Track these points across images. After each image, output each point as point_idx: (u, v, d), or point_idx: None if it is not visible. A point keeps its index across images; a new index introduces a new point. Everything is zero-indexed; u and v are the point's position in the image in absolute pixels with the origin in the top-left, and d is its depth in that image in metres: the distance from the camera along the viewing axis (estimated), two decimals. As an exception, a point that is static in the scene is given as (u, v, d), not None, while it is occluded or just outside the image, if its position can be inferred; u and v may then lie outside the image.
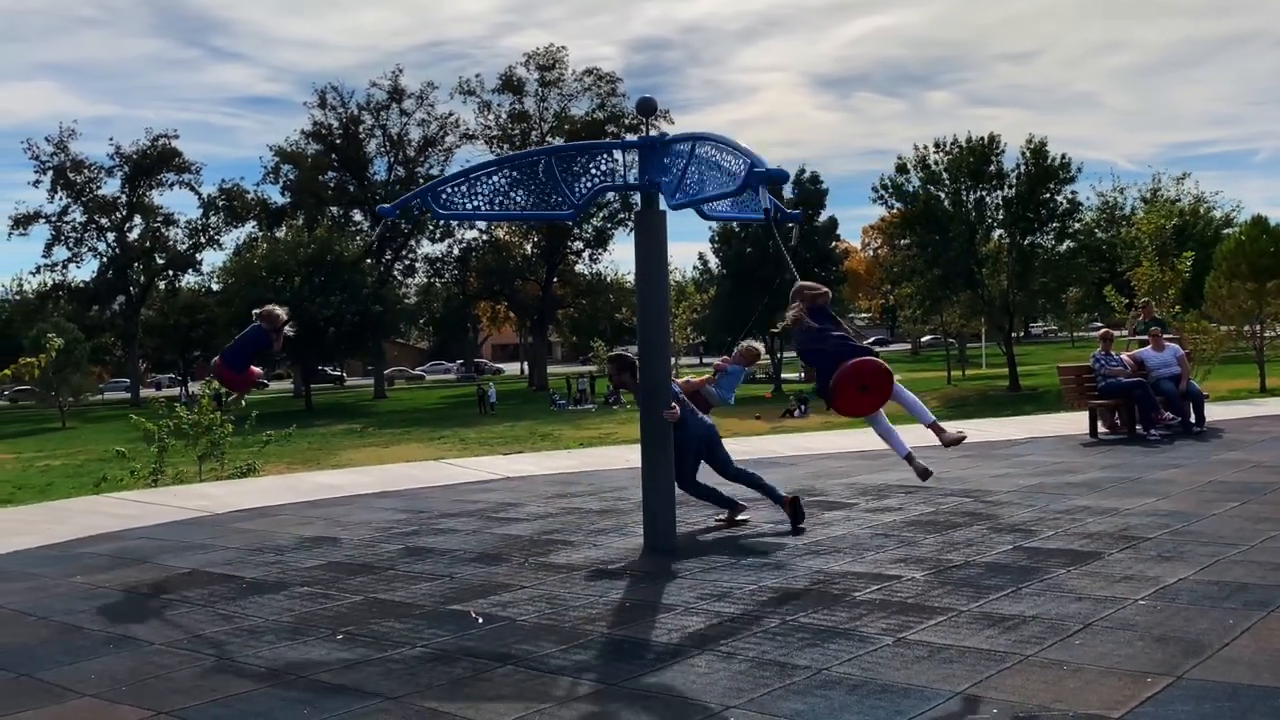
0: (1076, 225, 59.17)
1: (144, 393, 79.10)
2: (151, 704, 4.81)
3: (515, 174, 8.21)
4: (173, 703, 4.82)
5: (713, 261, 71.47)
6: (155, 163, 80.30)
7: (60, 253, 79.85)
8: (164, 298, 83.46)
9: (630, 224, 9.48)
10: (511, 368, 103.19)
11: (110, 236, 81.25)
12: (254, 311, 8.42)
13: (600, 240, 76.19)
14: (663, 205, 8.05)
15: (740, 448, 14.19)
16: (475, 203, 8.04)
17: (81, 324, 71.13)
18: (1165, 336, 15.76)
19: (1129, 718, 4.17)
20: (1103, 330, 16.55)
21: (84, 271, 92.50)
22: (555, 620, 5.99)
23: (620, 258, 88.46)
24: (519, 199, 8.14)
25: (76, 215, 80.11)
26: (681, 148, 7.69)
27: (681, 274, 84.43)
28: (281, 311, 8.35)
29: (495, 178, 8.11)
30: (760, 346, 9.77)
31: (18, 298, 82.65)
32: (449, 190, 8.02)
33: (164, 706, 4.77)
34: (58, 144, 78.57)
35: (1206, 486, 9.69)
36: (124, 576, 7.61)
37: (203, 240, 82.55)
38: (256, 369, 8.72)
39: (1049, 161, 54.70)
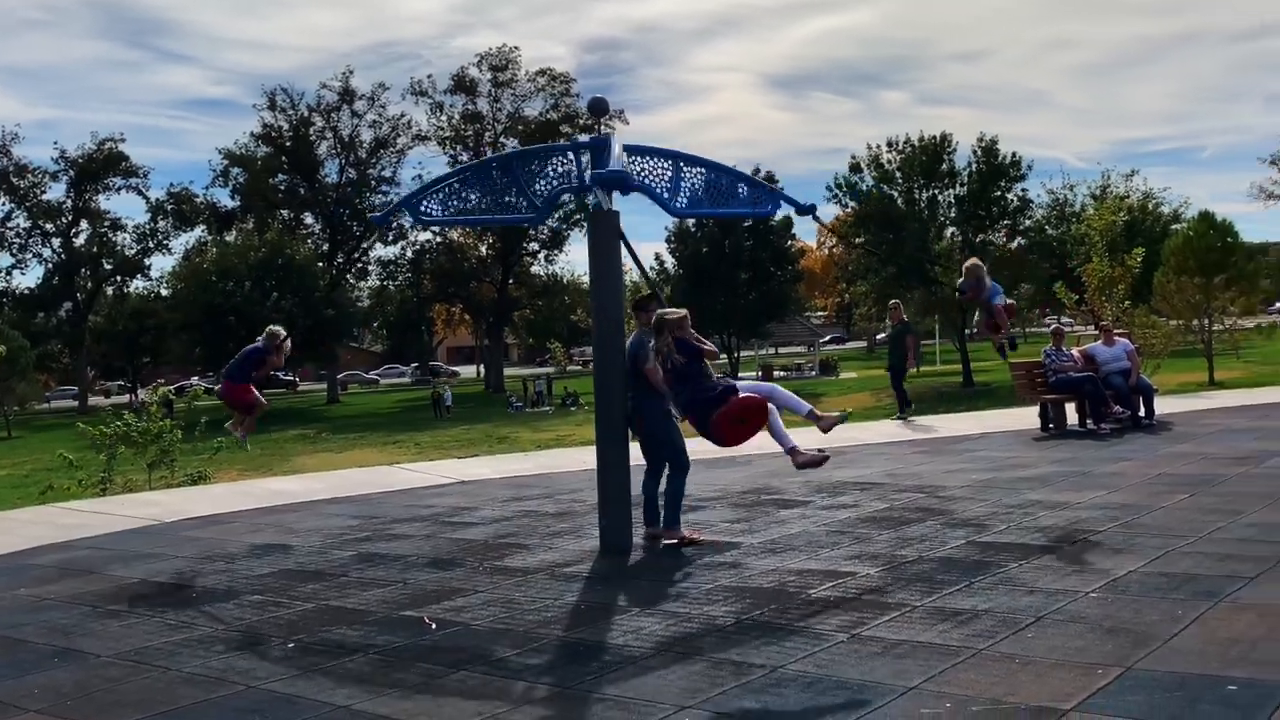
0: (1027, 223, 59.92)
1: (92, 400, 77.87)
2: (98, 717, 4.72)
3: (481, 181, 8.36)
4: (119, 715, 4.73)
5: (669, 261, 71.59)
6: (102, 167, 78.98)
7: (4, 259, 78.71)
8: (112, 304, 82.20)
9: (585, 225, 9.59)
10: (468, 370, 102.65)
11: (55, 242, 79.88)
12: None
13: (556, 241, 76.03)
14: (615, 205, 8.07)
15: (693, 446, 14.20)
16: (453, 208, 8.25)
17: (26, 331, 69.88)
18: (1115, 332, 15.98)
19: (1081, 709, 4.20)
20: (1054, 326, 16.76)
21: (29, 278, 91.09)
22: (510, 624, 5.95)
23: (575, 259, 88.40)
24: (485, 206, 8.29)
25: (20, 220, 78.69)
26: (663, 162, 8.33)
27: (637, 273, 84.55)
28: (280, 330, 9.56)
29: (464, 188, 8.29)
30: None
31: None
32: (427, 197, 8.17)
33: (110, 720, 4.68)
34: (0, 148, 77.19)
35: (1156, 479, 9.81)
36: (71, 588, 7.47)
37: (151, 245, 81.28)
38: (254, 391, 9.66)
39: (1000, 160, 55.37)
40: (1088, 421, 14.40)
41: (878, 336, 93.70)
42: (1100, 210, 33.36)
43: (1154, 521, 7.83)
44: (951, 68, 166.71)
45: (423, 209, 8.19)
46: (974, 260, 9.98)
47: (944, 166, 55.68)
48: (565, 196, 9.32)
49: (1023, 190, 57.08)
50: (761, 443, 14.46)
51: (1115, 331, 16.07)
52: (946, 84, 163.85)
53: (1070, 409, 14.79)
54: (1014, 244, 58.33)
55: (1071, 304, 29.67)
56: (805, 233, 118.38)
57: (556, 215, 71.27)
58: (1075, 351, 15.32)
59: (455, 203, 8.23)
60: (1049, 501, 8.89)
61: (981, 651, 4.97)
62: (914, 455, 12.81)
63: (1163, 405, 15.62)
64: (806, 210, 8.73)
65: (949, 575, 6.50)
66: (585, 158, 8.20)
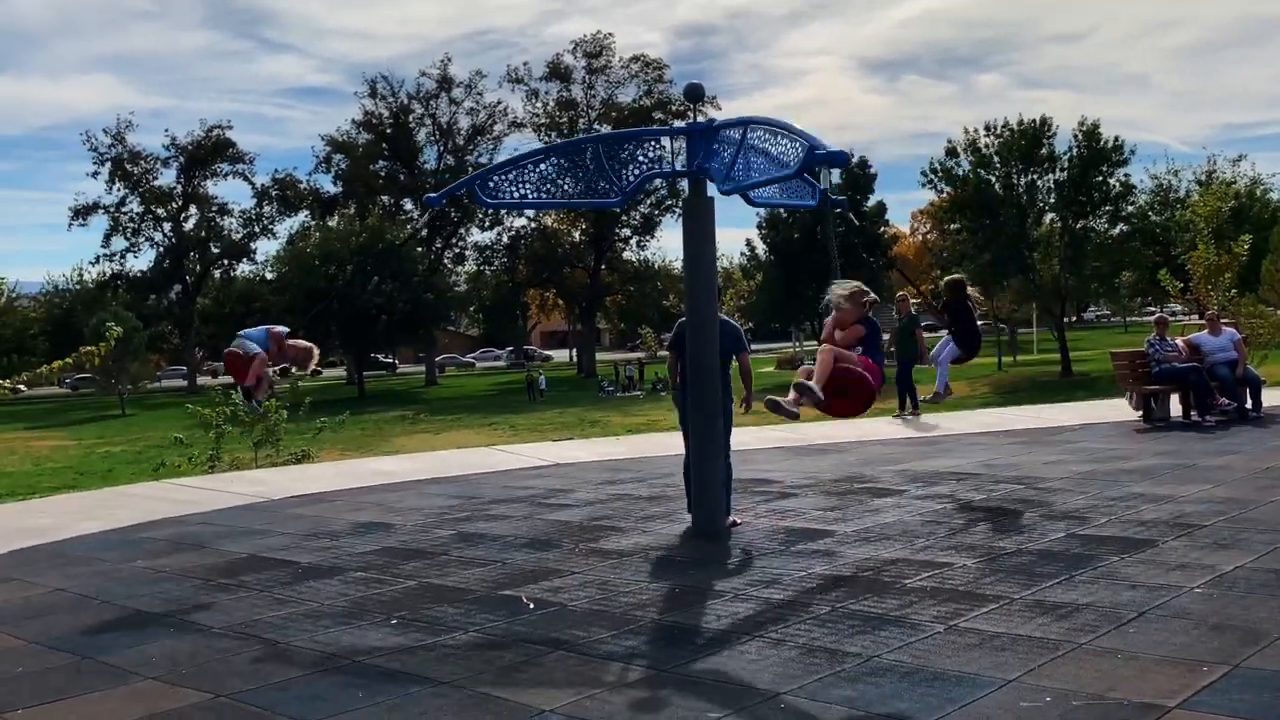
0: (1130, 209, 58.26)
1: (200, 380, 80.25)
2: (211, 687, 4.91)
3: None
4: (231, 686, 4.92)
5: (760, 248, 71.25)
6: (210, 153, 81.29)
7: (118, 243, 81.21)
8: (219, 286, 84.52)
9: (678, 211, 9.48)
10: (560, 355, 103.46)
11: (166, 226, 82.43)
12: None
13: (648, 227, 76.13)
14: (711, 191, 8.04)
15: (787, 435, 14.17)
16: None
17: (139, 313, 72.22)
18: (1223, 320, 15.52)
19: (1186, 706, 4.12)
20: (1158, 315, 16.32)
21: (141, 261, 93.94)
22: (606, 606, 6.03)
23: (668, 244, 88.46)
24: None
25: (134, 206, 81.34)
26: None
27: (729, 260, 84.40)
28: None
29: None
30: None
31: (78, 287, 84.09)
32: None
33: (223, 690, 4.87)
34: (115, 136, 79.79)
35: (1264, 473, 9.53)
36: (183, 561, 7.76)
37: (257, 229, 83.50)
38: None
39: (1102, 144, 53.93)
40: (1192, 413, 14.03)
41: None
42: (1206, 196, 32.40)
43: (1261, 516, 7.61)
44: (1049, 49, 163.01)
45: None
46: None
47: (1043, 151, 54.40)
48: (658, 182, 9.11)
49: (1125, 175, 55.55)
50: (856, 431, 14.40)
51: (1222, 320, 15.60)
52: (1044, 66, 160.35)
53: (1175, 400, 14.42)
54: (1116, 230, 56.77)
55: (1176, 292, 28.85)
56: (898, 218, 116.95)
57: (648, 202, 71.50)
58: (1180, 341, 14.91)
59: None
60: (1152, 495, 8.70)
61: (1082, 646, 4.91)
62: (1011, 445, 12.61)
63: (1270, 397, 15.12)
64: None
65: (1048, 568, 6.41)
66: (680, 143, 8.16)
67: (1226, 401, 14.00)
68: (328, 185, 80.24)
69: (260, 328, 8.76)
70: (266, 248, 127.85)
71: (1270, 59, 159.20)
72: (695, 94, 8.93)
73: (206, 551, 8.11)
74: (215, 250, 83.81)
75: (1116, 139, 54.13)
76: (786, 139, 6.88)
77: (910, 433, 14.62)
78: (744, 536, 7.83)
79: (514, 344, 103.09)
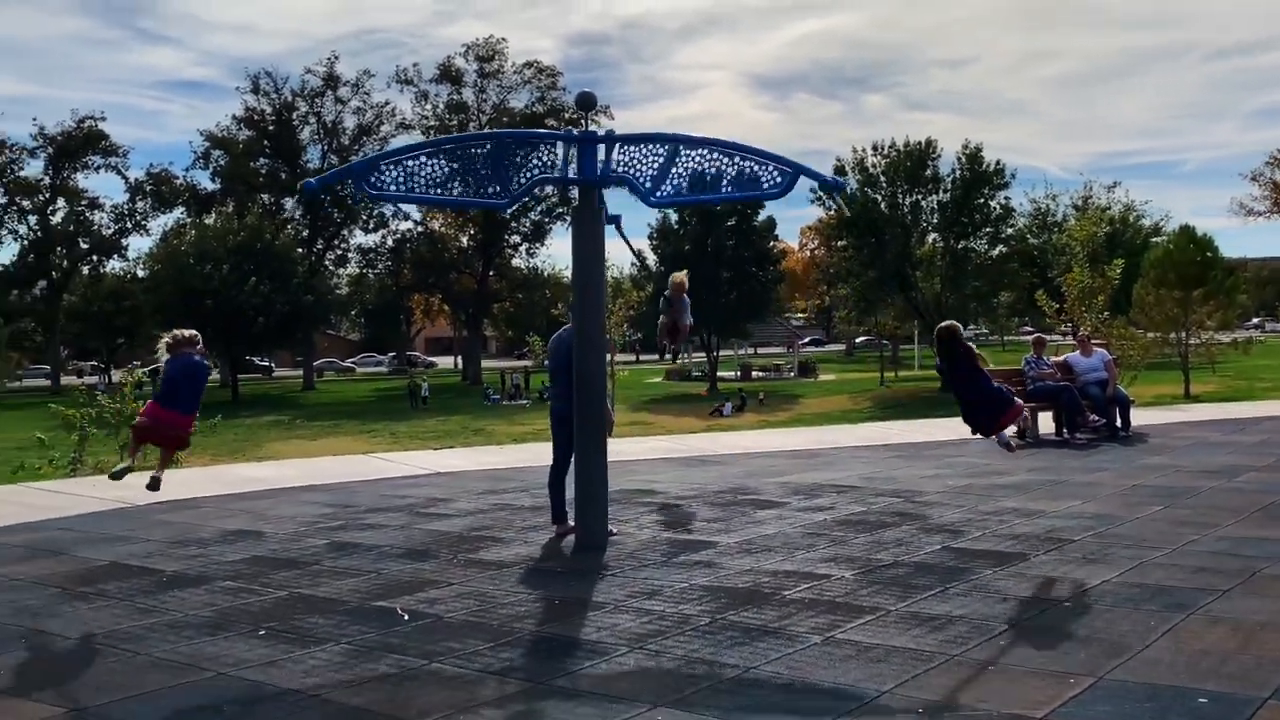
0: (1009, 230, 60.21)
1: (65, 380, 77.23)
2: (65, 700, 4.68)
3: (453, 161, 7.93)
4: (86, 698, 4.68)
5: (651, 259, 71.56)
6: (80, 145, 78.29)
7: (-21, 235, 77.67)
8: (87, 284, 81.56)
9: (568, 218, 9.42)
10: (445, 361, 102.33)
11: (32, 219, 79.10)
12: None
13: (538, 234, 75.88)
14: (599, 202, 7.99)
15: (672, 446, 14.21)
16: (410, 184, 7.44)
17: (0, 308, 69.25)
18: (1094, 341, 16.05)
19: (1052, 717, 4.21)
20: (1035, 335, 16.81)
21: (3, 255, 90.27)
22: (484, 618, 5.92)
23: (557, 252, 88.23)
24: (455, 187, 7.85)
25: (-3, 196, 77.96)
26: (656, 148, 7.92)
27: (619, 270, 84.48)
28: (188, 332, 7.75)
29: (433, 162, 7.76)
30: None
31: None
32: (381, 170, 7.42)
33: (79, 702, 4.63)
34: (-23, 123, 76.38)
35: (1131, 490, 9.86)
36: (40, 568, 7.40)
37: (129, 225, 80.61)
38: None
39: (984, 167, 55.63)
40: (1063, 431, 14.46)
41: (856, 341, 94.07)
42: (1082, 221, 33.61)
43: (1128, 532, 7.86)
44: (935, 73, 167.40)
45: (372, 180, 7.27)
46: (682, 276, 9.91)
47: (928, 172, 55.87)
48: (549, 189, 9.00)
49: (1006, 198, 57.42)
50: (740, 443, 14.49)
51: (1094, 342, 16.14)
52: (930, 90, 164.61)
53: (1046, 418, 14.84)
54: (996, 251, 58.56)
55: (1052, 312, 29.82)
56: (787, 233, 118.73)
57: (538, 209, 71.29)
58: (1053, 360, 15.37)
59: (418, 179, 7.42)
60: (1024, 509, 8.92)
61: (954, 657, 4.98)
62: (891, 459, 12.83)
63: (1139, 417, 15.69)
64: (835, 186, 9.05)
65: (924, 580, 6.51)
66: (573, 151, 8.06)
67: (1096, 419, 14.46)
68: (205, 182, 78.08)
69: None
70: (139, 244, 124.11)
71: (1145, 90, 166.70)
72: (587, 102, 8.84)
73: (64, 558, 7.74)
74: (84, 245, 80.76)
75: (998, 163, 55.99)
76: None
77: (794, 445, 14.78)
78: (626, 547, 7.79)
79: (397, 350, 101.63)
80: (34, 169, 78.67)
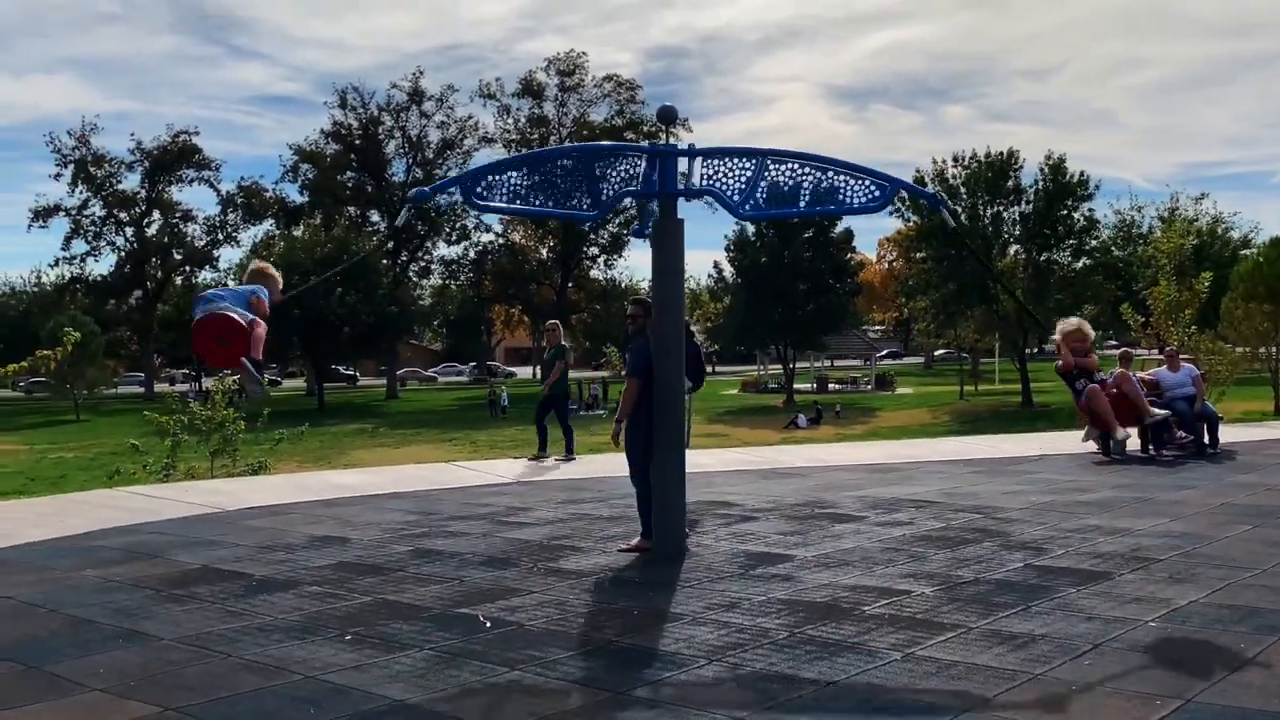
0: (1093, 242, 59.13)
1: (158, 387, 79.42)
2: (160, 700, 4.83)
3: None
4: (180, 699, 4.83)
5: (728, 270, 71.51)
6: (175, 159, 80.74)
7: (79, 246, 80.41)
8: (181, 293, 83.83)
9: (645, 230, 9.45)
10: (524, 371, 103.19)
11: (129, 231, 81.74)
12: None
13: (616, 246, 76.31)
14: (682, 213, 8.07)
15: (749, 458, 14.19)
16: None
17: (98, 317, 71.52)
18: (1181, 357, 15.71)
19: (1137, 740, 4.15)
20: (1121, 349, 16.48)
21: (102, 265, 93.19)
22: (564, 626, 5.99)
23: (635, 263, 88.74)
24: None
25: (96, 209, 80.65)
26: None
27: (696, 282, 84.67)
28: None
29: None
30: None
31: (36, 290, 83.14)
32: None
33: (172, 703, 4.78)
34: (79, 138, 79.13)
35: (1219, 509, 9.63)
36: (135, 571, 7.64)
37: (220, 237, 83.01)
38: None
39: (1067, 178, 54.72)
40: (1150, 448, 14.17)
41: (935, 354, 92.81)
42: (1168, 233, 32.88)
43: (1216, 552, 7.69)
44: (1018, 83, 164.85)
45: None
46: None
47: (1009, 183, 55.11)
48: (628, 201, 9.07)
49: (1090, 210, 56.40)
50: (817, 456, 14.42)
51: (1181, 356, 15.79)
52: (1011, 100, 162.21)
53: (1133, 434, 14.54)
54: (1080, 263, 57.54)
55: (1137, 326, 29.24)
56: (865, 245, 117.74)
57: (617, 220, 71.65)
58: (1141, 376, 15.06)
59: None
60: (1109, 527, 8.77)
61: (1037, 676, 4.92)
62: (971, 475, 12.68)
63: (1227, 433, 15.30)
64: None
65: (1005, 598, 6.43)
66: (655, 164, 8.14)
67: (1184, 436, 14.15)
68: (294, 194, 79.96)
69: (237, 288, 7.06)
70: (230, 255, 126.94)
71: (1234, 99, 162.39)
72: (668, 116, 8.91)
73: (159, 561, 7.98)
74: (178, 257, 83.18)
75: (1082, 174, 55.04)
76: (850, 177, 7.90)
77: (872, 459, 14.67)
78: (704, 560, 7.81)
79: (477, 359, 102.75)
80: (131, 182, 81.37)
